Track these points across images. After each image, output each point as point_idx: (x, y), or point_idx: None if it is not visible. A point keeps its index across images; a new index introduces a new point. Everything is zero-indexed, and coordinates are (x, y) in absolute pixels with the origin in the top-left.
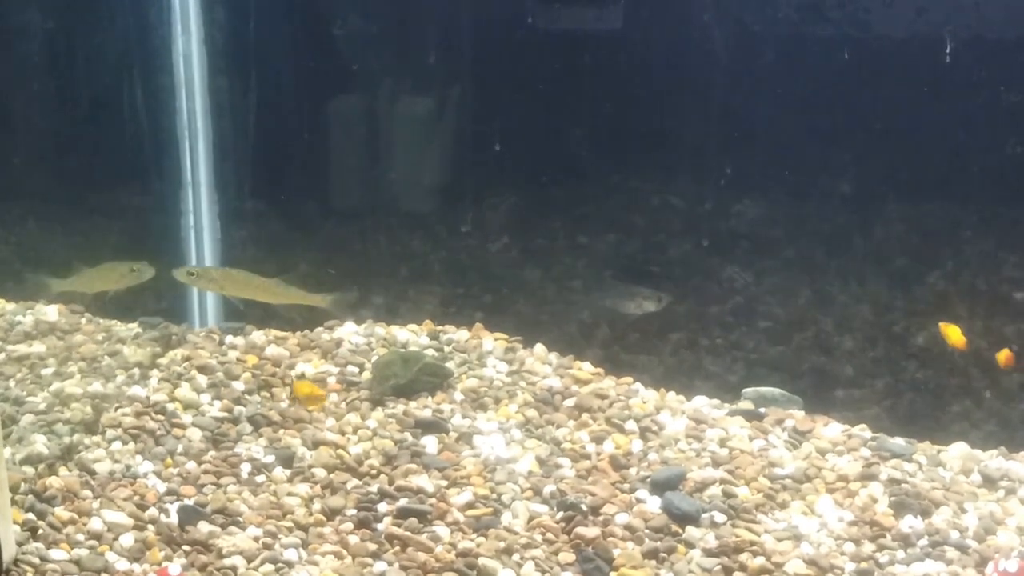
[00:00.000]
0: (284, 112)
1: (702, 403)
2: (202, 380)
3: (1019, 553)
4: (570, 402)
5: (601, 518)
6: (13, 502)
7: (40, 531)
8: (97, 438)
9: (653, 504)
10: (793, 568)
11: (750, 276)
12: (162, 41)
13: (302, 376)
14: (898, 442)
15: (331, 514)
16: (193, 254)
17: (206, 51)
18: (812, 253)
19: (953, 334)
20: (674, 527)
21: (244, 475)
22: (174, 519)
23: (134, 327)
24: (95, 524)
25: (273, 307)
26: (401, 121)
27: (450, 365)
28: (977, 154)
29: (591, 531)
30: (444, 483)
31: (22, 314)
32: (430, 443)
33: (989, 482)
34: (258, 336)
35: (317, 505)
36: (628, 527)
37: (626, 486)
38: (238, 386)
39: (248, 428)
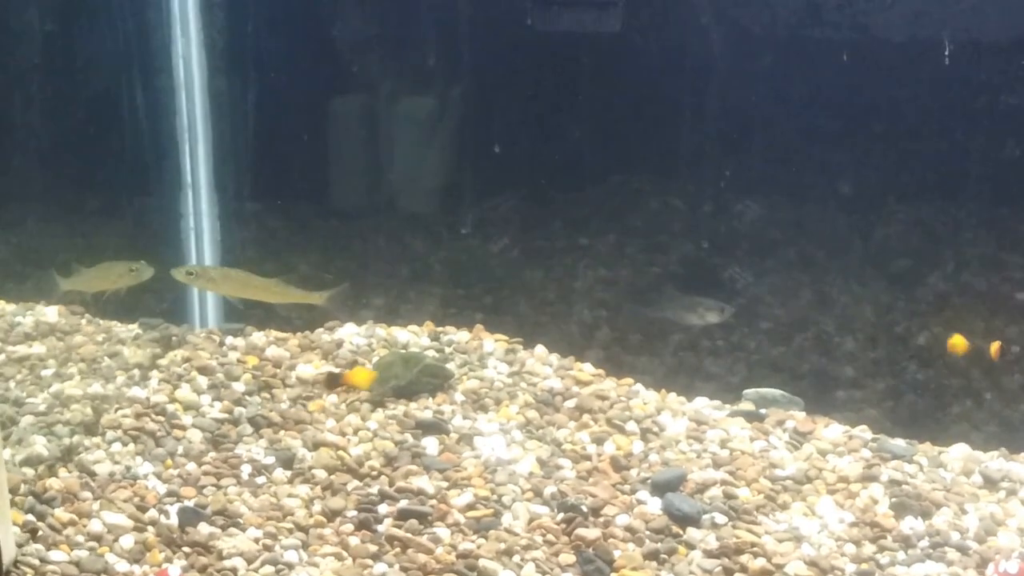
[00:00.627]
0: (284, 113)
1: (703, 404)
2: (202, 381)
3: (1020, 554)
4: (571, 403)
5: (602, 519)
6: (13, 503)
7: (40, 532)
8: (97, 439)
9: (654, 505)
10: (794, 569)
11: (751, 277)
12: (162, 43)
13: (354, 364)
14: (899, 443)
15: (331, 515)
16: (193, 255)
17: (206, 53)
18: (813, 254)
19: (959, 344)
20: (675, 528)
21: (244, 476)
22: (174, 520)
23: (134, 328)
24: (95, 525)
25: (273, 307)
26: (401, 122)
27: (451, 366)
28: (977, 155)
29: (592, 532)
30: (445, 484)
31: (22, 315)
32: (430, 444)
33: (990, 483)
34: (258, 337)
35: (317, 506)
36: (629, 528)
37: (627, 487)
38: (238, 387)
39: (248, 429)
